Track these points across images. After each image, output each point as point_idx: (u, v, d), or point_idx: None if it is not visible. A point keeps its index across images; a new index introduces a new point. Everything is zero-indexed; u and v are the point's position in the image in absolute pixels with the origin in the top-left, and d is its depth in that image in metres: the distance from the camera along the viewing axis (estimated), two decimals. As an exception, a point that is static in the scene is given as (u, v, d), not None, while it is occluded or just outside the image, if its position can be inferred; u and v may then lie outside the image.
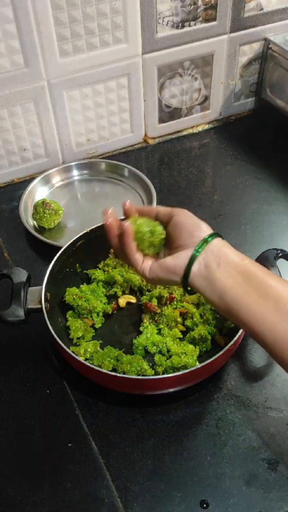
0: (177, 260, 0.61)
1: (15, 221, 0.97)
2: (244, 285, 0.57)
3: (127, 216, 0.68)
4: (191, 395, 0.71)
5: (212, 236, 0.61)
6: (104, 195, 1.04)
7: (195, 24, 1.02)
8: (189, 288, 0.62)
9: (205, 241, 0.60)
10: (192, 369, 0.65)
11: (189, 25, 1.01)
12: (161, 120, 1.14)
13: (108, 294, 0.82)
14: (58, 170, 1.06)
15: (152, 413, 0.69)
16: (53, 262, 0.76)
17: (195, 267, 0.59)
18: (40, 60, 0.92)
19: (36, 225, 0.96)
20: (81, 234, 0.81)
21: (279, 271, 0.72)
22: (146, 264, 0.64)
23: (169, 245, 0.65)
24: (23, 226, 0.94)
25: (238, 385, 0.72)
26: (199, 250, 0.60)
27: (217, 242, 0.60)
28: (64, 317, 0.79)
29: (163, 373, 0.71)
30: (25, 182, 1.05)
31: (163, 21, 0.98)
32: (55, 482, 0.63)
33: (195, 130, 1.20)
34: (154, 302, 0.79)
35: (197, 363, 0.71)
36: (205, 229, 0.62)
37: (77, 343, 0.76)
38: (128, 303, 0.82)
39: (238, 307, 0.57)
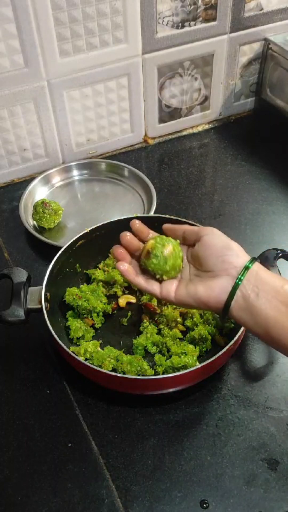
0: (211, 292, 0.57)
1: (15, 221, 0.97)
2: None
3: (140, 236, 0.65)
4: (191, 395, 0.71)
5: (251, 262, 0.56)
6: (104, 195, 1.04)
7: (195, 24, 1.02)
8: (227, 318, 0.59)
9: (245, 270, 0.56)
10: (192, 369, 0.65)
11: (189, 25, 1.01)
12: (161, 120, 1.14)
13: (108, 294, 0.82)
14: (58, 170, 1.06)
15: (152, 413, 0.69)
16: (53, 262, 0.76)
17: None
18: (40, 60, 0.92)
19: (36, 225, 0.96)
20: (81, 234, 0.81)
21: (279, 271, 0.72)
22: (169, 288, 0.61)
23: (195, 264, 0.62)
24: (23, 226, 0.94)
25: (238, 385, 0.72)
26: (239, 283, 0.55)
27: (253, 267, 0.56)
28: (64, 317, 0.79)
29: (163, 373, 0.71)
30: (25, 182, 1.05)
31: (163, 21, 0.98)
32: (55, 482, 0.63)
33: (195, 130, 1.20)
34: (154, 302, 0.79)
35: (197, 363, 0.71)
36: (237, 252, 0.58)
37: (77, 343, 0.76)
38: (128, 303, 0.82)
39: (287, 340, 0.54)
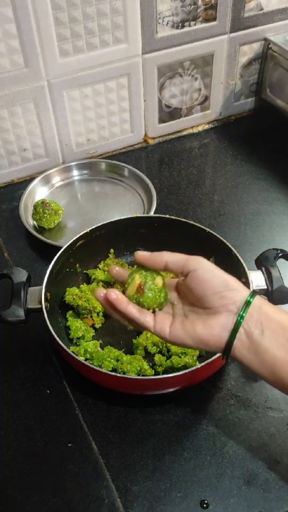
0: (210, 330, 0.52)
1: (15, 221, 0.97)
2: None
3: (118, 279, 0.60)
4: (191, 395, 0.71)
5: (252, 296, 0.52)
6: (104, 195, 1.04)
7: (195, 24, 1.02)
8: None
9: (247, 305, 0.52)
10: (192, 369, 0.65)
11: (189, 25, 1.01)
12: (161, 120, 1.14)
13: (108, 294, 0.82)
14: (58, 170, 1.06)
15: (152, 413, 0.69)
16: (53, 262, 0.76)
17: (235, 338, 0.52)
18: (40, 60, 0.92)
19: (36, 225, 0.96)
20: (81, 234, 0.81)
21: (279, 271, 0.72)
22: (162, 323, 0.56)
23: (187, 298, 0.57)
24: (23, 226, 0.94)
25: (238, 385, 0.72)
26: (241, 320, 0.51)
27: (254, 301, 0.52)
28: (64, 317, 0.79)
29: (163, 373, 0.71)
30: (25, 182, 1.05)
31: (163, 21, 0.98)
32: (55, 482, 0.63)
33: (195, 130, 1.20)
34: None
35: (197, 363, 0.71)
36: (236, 287, 0.53)
37: (77, 343, 0.76)
38: (128, 303, 0.82)
39: None
